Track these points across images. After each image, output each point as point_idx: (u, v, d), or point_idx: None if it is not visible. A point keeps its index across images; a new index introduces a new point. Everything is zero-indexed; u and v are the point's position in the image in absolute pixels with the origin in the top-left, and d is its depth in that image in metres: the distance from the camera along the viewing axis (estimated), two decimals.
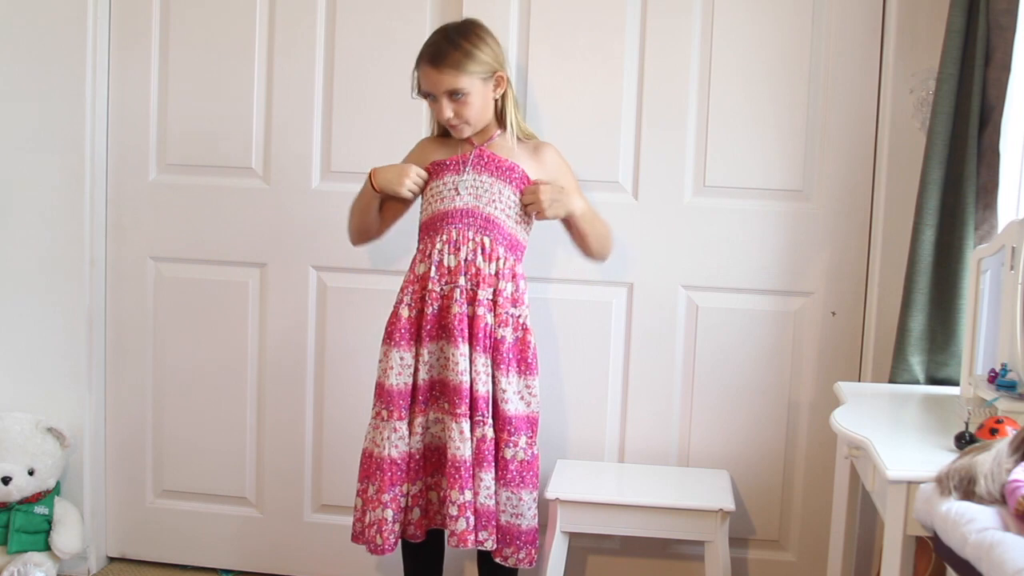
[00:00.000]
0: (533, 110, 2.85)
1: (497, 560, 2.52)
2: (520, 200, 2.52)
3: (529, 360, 2.52)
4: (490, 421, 2.47)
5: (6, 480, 2.87)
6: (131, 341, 3.11)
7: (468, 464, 2.44)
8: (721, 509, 2.60)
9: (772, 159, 2.81)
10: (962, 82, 2.51)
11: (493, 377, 2.48)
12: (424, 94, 2.49)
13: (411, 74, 2.52)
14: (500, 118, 2.55)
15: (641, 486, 2.75)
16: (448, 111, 2.45)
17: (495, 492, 2.48)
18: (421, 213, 2.58)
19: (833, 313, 2.83)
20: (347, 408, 3.00)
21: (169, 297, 3.08)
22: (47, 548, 2.96)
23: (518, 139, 2.56)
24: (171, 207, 3.05)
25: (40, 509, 2.95)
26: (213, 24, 2.98)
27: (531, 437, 2.52)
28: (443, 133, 2.60)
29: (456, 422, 2.44)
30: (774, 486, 2.90)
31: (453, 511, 2.43)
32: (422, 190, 2.56)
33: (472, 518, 2.44)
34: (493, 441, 2.47)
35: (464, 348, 2.45)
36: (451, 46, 2.44)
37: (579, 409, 2.92)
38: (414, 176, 2.53)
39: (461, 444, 2.43)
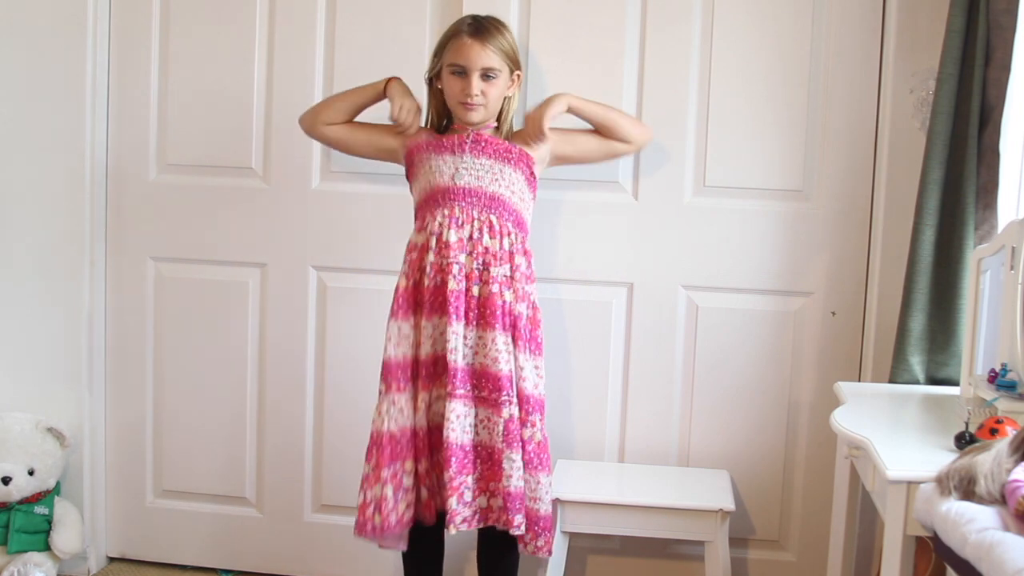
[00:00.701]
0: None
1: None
2: (534, 147, 2.52)
3: (539, 340, 2.52)
4: (515, 401, 2.45)
5: (6, 480, 2.87)
6: (131, 341, 3.11)
7: (460, 446, 2.40)
8: (721, 509, 2.60)
9: (772, 159, 2.81)
10: (962, 82, 2.52)
11: (513, 356, 2.47)
12: (454, 69, 2.46)
13: (433, 53, 2.53)
14: (498, 119, 2.56)
15: (641, 486, 2.75)
16: (477, 87, 2.45)
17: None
18: (416, 185, 2.56)
19: (833, 313, 2.83)
20: (347, 408, 3.00)
21: (169, 297, 3.08)
22: (47, 548, 2.96)
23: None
24: (171, 207, 3.05)
25: (40, 509, 2.95)
26: (213, 24, 2.98)
27: (542, 419, 2.51)
28: (434, 126, 2.59)
29: (449, 402, 2.41)
30: (774, 486, 2.90)
31: (468, 497, 2.41)
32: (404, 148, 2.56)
33: (463, 499, 2.41)
34: (519, 421, 2.45)
35: (457, 326, 2.42)
36: (492, 26, 2.49)
37: (579, 409, 2.92)
38: (415, 117, 2.52)
39: (456, 425, 2.40)
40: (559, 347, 2.89)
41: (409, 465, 2.47)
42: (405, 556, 2.64)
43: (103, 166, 3.06)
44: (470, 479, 2.43)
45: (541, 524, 2.48)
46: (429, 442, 2.50)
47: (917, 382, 2.58)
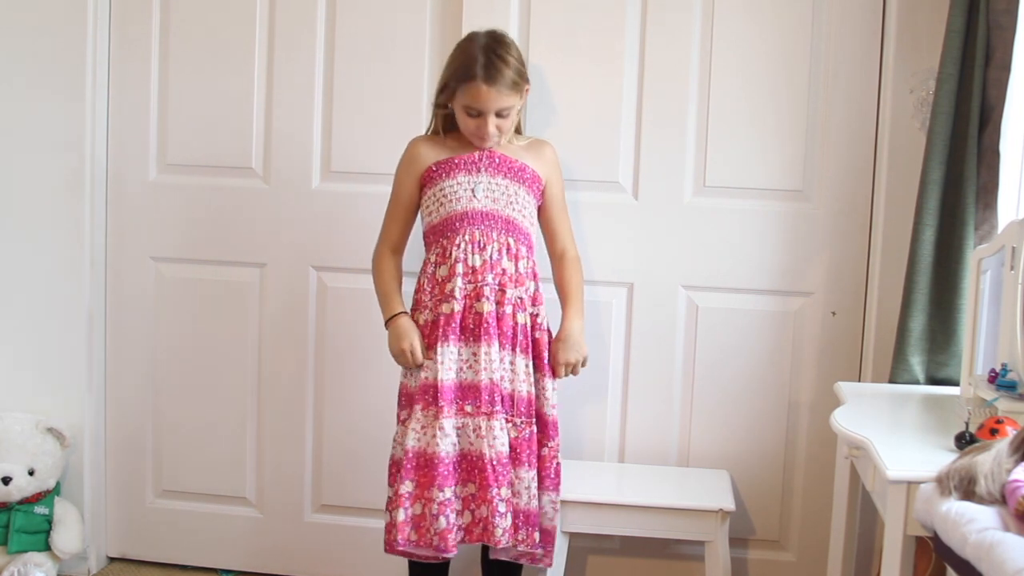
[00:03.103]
0: (533, 110, 2.85)
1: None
2: (555, 369, 2.54)
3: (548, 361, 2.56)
4: (534, 421, 2.49)
5: (6, 480, 2.87)
6: (131, 341, 3.11)
7: (506, 461, 2.43)
8: (721, 509, 2.60)
9: (772, 159, 2.81)
10: (962, 82, 2.52)
11: (535, 379, 2.51)
12: (469, 111, 2.43)
13: (440, 84, 2.47)
14: None
15: (641, 486, 2.75)
16: (492, 126, 2.43)
17: (537, 494, 2.50)
18: (428, 215, 2.54)
19: (833, 313, 2.83)
20: (347, 408, 3.00)
21: (169, 297, 3.08)
22: (47, 548, 2.96)
23: (512, 138, 2.56)
24: (171, 207, 3.05)
25: (40, 509, 2.95)
26: (213, 24, 2.98)
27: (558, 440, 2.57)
28: (435, 132, 2.56)
29: (494, 419, 2.42)
30: (774, 486, 2.90)
31: (502, 508, 2.40)
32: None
33: (510, 515, 2.44)
34: (538, 442, 2.50)
35: (496, 346, 2.44)
36: (504, 64, 2.40)
37: (579, 409, 2.92)
38: (414, 357, 2.47)
39: (502, 441, 2.42)
40: None
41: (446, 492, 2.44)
42: (412, 564, 2.64)
43: (103, 166, 3.06)
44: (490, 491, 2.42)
45: (551, 539, 2.54)
46: (453, 470, 2.45)
47: (917, 382, 2.58)
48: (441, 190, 2.50)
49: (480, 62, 2.40)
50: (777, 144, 2.81)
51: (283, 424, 3.06)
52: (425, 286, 2.51)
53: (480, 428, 2.43)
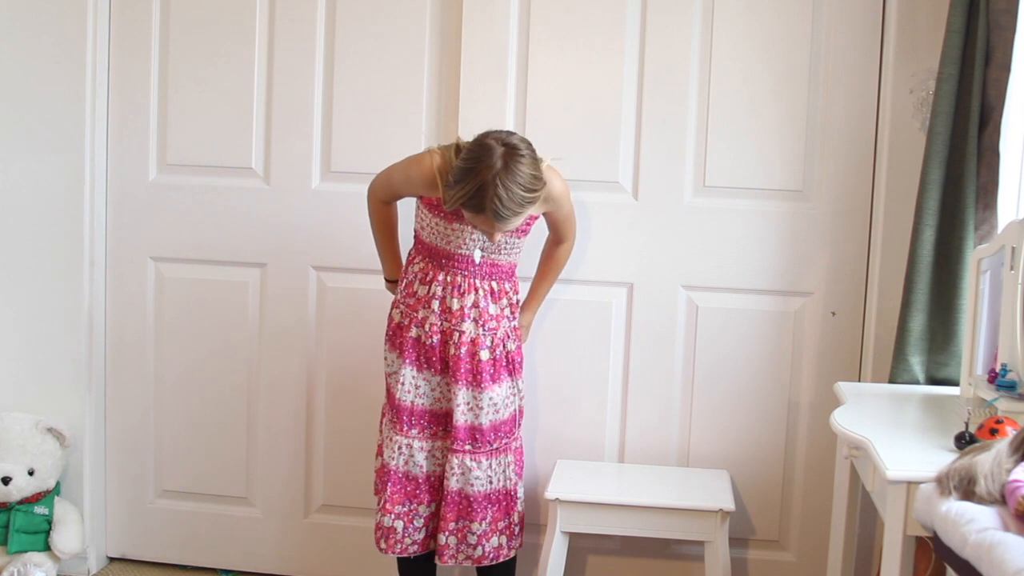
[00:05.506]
0: (533, 110, 2.85)
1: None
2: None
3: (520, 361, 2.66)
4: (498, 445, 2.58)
5: (6, 480, 2.87)
6: (131, 341, 3.11)
7: (462, 495, 2.53)
8: (721, 509, 2.60)
9: (772, 159, 2.81)
10: (962, 82, 2.52)
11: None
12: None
13: (449, 192, 2.36)
14: None
15: (641, 486, 2.75)
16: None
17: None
18: (419, 225, 2.56)
19: (833, 313, 2.83)
20: (347, 408, 3.00)
21: (169, 297, 3.08)
22: (47, 548, 2.96)
23: None
24: (171, 207, 3.05)
25: (40, 509, 2.95)
26: (213, 24, 2.98)
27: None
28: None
29: (455, 456, 2.52)
30: (774, 486, 2.90)
31: (472, 540, 2.53)
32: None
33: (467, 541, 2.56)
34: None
35: (466, 391, 2.51)
36: (513, 201, 2.28)
37: (579, 409, 2.92)
38: None
39: (462, 478, 2.52)
40: (559, 347, 2.89)
41: (423, 508, 2.58)
42: (402, 567, 2.69)
43: (103, 166, 3.06)
44: (474, 524, 2.55)
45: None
46: (433, 486, 2.58)
47: (917, 382, 2.59)
48: (436, 224, 2.50)
49: (490, 196, 2.27)
50: (777, 144, 2.81)
51: (283, 424, 3.06)
52: (416, 300, 2.53)
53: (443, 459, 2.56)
